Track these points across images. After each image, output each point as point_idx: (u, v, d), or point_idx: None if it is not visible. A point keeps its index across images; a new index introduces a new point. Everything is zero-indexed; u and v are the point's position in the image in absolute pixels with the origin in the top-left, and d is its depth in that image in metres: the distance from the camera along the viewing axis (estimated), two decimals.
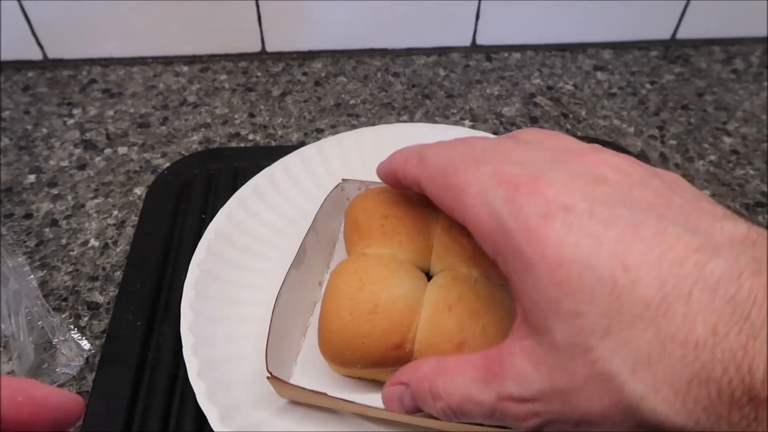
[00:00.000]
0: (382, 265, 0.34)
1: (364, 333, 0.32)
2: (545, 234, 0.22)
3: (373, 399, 0.35)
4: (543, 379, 0.22)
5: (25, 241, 0.51)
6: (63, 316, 0.45)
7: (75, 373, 0.42)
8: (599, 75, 0.68)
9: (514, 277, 0.23)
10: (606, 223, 0.21)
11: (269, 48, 0.69)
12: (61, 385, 0.41)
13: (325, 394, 0.34)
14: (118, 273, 0.48)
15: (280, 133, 0.61)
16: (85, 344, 0.43)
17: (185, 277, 0.42)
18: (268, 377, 0.34)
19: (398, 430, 0.36)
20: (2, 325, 0.41)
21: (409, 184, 0.31)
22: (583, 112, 0.64)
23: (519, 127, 0.62)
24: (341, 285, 0.34)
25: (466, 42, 0.70)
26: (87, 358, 0.42)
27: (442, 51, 0.71)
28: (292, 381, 0.37)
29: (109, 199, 0.54)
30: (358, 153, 0.51)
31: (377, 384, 0.39)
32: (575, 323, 0.21)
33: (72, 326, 0.44)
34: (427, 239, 0.36)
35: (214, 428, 0.35)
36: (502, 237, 0.23)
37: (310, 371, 0.40)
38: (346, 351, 0.33)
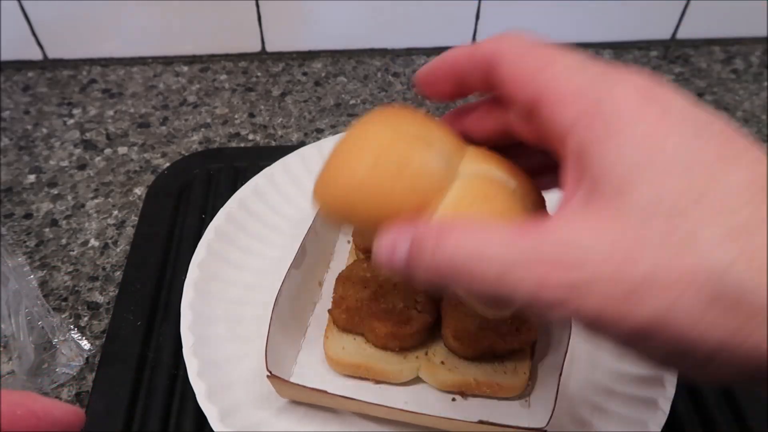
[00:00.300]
0: (419, 135, 0.28)
1: (384, 187, 0.26)
2: (648, 99, 0.22)
3: (372, 397, 0.35)
4: (600, 241, 0.20)
5: (25, 241, 0.51)
6: (63, 316, 0.45)
7: (75, 373, 0.42)
8: None
9: (597, 140, 0.22)
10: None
11: (269, 48, 0.69)
12: (61, 385, 0.41)
13: (325, 392, 0.34)
14: (118, 273, 0.48)
15: (280, 133, 0.61)
16: (85, 344, 0.43)
17: (185, 277, 0.42)
18: (267, 376, 0.34)
19: (398, 430, 0.36)
20: (2, 325, 0.41)
21: (477, 64, 0.28)
22: None
23: None
24: (371, 130, 0.28)
25: (466, 42, 0.70)
26: (87, 358, 0.42)
27: (442, 51, 0.71)
28: (291, 380, 0.37)
29: (109, 199, 0.54)
30: None
31: (376, 384, 0.39)
32: (667, 184, 0.20)
33: (72, 326, 0.44)
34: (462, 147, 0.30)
35: (214, 428, 0.35)
36: (593, 98, 0.23)
37: (310, 371, 0.40)
38: (355, 201, 0.26)
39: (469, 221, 0.23)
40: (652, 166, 0.20)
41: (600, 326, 0.20)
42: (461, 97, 0.31)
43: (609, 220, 0.20)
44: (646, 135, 0.21)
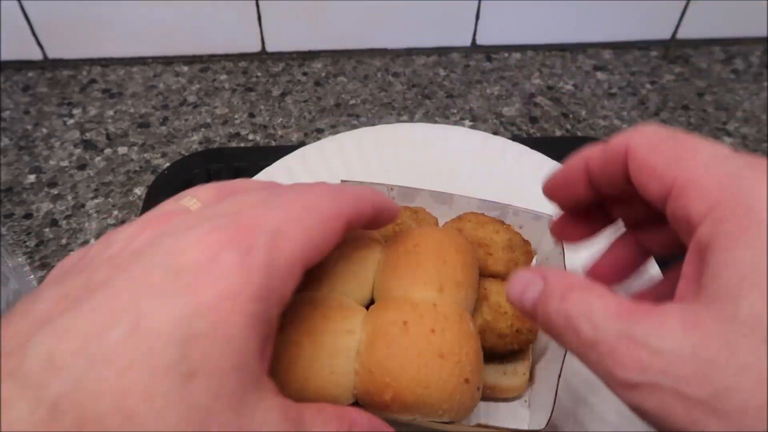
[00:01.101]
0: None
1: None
2: None
3: None
4: (688, 341, 0.20)
5: (25, 241, 0.51)
6: None
7: None
8: (599, 75, 0.68)
9: (722, 236, 0.21)
10: None
11: (269, 48, 0.69)
12: None
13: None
14: None
15: (280, 133, 0.61)
16: None
17: None
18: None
19: (396, 430, 0.36)
20: None
21: (611, 159, 0.28)
22: (583, 112, 0.64)
23: (519, 127, 0.62)
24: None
25: (466, 42, 0.70)
26: None
27: (442, 51, 0.71)
28: None
29: (109, 199, 0.54)
30: (359, 153, 0.51)
31: None
32: None
33: None
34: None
35: None
36: (731, 192, 0.22)
37: None
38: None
39: (592, 283, 0.24)
40: (765, 279, 0.20)
41: (658, 423, 0.21)
42: (594, 202, 0.30)
43: (705, 324, 0.20)
44: None
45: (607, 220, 0.32)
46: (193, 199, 0.27)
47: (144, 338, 0.20)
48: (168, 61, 0.69)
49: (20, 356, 0.20)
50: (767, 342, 0.19)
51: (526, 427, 0.36)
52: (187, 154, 0.58)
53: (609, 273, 0.31)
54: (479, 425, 0.33)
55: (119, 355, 0.19)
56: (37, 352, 0.20)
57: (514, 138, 0.55)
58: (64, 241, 0.51)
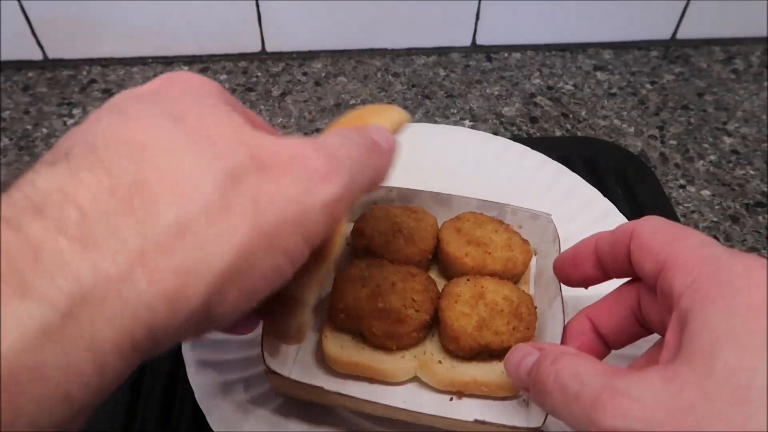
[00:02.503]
0: None
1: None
2: (758, 275, 0.24)
3: (370, 396, 0.35)
4: (667, 391, 0.22)
5: None
6: None
7: None
8: (599, 75, 0.68)
9: (700, 302, 0.24)
10: None
11: (269, 48, 0.69)
12: None
13: (322, 388, 0.34)
14: None
15: (280, 133, 0.61)
16: None
17: None
18: (265, 371, 0.34)
19: (395, 430, 0.37)
20: None
21: (618, 240, 0.32)
22: (583, 112, 0.64)
23: (519, 127, 0.62)
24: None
25: (466, 42, 0.70)
26: None
27: (442, 51, 0.71)
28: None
29: None
30: None
31: (374, 383, 0.39)
32: (745, 359, 0.22)
33: None
34: None
35: (213, 428, 0.35)
36: (710, 268, 0.25)
37: (309, 370, 0.40)
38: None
39: (583, 353, 0.28)
40: (738, 338, 0.22)
41: None
42: (600, 281, 0.34)
43: (682, 377, 0.23)
44: (752, 307, 0.23)
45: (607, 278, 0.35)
46: None
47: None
48: (168, 61, 0.69)
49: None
50: (740, 393, 0.21)
51: (524, 425, 0.36)
52: None
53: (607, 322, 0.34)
54: (477, 421, 0.33)
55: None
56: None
57: (514, 138, 0.55)
58: None
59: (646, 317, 0.31)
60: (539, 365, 0.28)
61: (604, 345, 0.34)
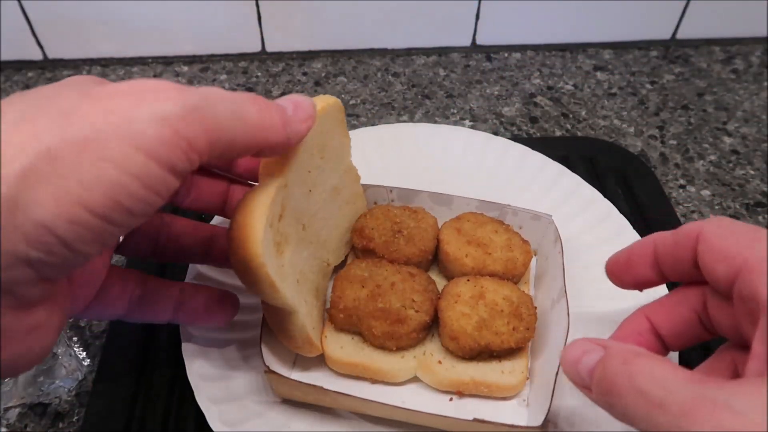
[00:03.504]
0: None
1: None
2: None
3: (370, 396, 0.35)
4: (754, 407, 0.21)
5: None
6: None
7: (72, 387, 0.41)
8: (599, 75, 0.68)
9: None
10: None
11: (269, 48, 0.69)
12: (57, 396, 0.41)
13: (321, 388, 0.34)
14: None
15: None
16: (86, 361, 0.42)
17: (185, 277, 0.42)
18: (265, 371, 0.35)
19: (395, 429, 0.37)
20: None
21: (681, 244, 0.31)
22: (583, 112, 0.64)
23: (519, 127, 0.62)
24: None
25: (466, 42, 0.70)
26: (85, 375, 0.42)
27: (442, 51, 0.71)
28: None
29: None
30: (359, 153, 0.51)
31: (374, 383, 0.39)
32: None
33: (75, 338, 0.44)
34: None
35: (213, 428, 0.35)
36: None
37: (309, 370, 0.40)
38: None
39: (652, 354, 0.26)
40: None
41: None
42: (657, 284, 0.33)
43: None
44: None
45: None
46: None
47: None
48: (168, 61, 0.69)
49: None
50: None
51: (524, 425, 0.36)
52: None
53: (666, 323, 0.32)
54: (477, 420, 0.33)
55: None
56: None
57: (514, 138, 0.55)
58: None
59: (714, 321, 0.30)
60: (607, 364, 0.26)
61: (663, 346, 0.32)
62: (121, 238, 0.36)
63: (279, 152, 0.31)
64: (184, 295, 0.36)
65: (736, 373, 0.29)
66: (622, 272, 0.34)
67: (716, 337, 0.31)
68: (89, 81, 0.26)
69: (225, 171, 0.38)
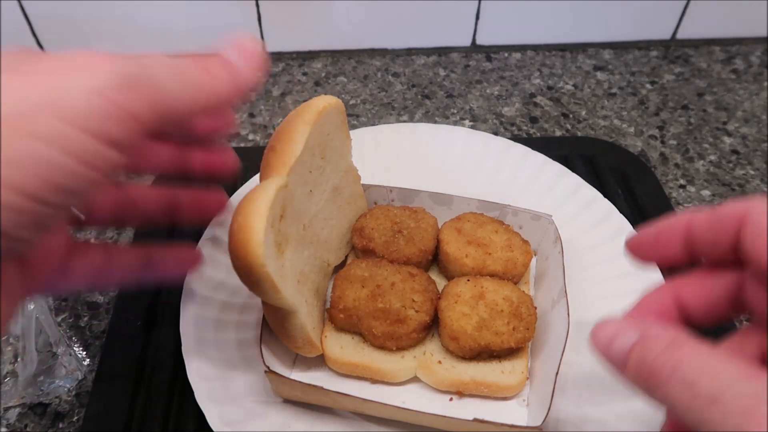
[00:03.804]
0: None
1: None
2: None
3: (370, 396, 0.35)
4: None
5: None
6: (63, 315, 0.45)
7: (72, 387, 0.41)
8: (599, 75, 0.68)
9: None
10: None
11: (269, 48, 0.69)
12: (57, 396, 0.41)
13: (321, 388, 0.34)
14: None
15: None
16: (86, 361, 0.42)
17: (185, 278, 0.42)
18: (265, 371, 0.35)
19: (395, 430, 0.37)
20: (11, 325, 0.40)
21: (722, 225, 0.29)
22: (583, 112, 0.64)
23: (519, 127, 0.62)
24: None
25: (466, 42, 0.70)
26: (85, 375, 0.42)
27: (442, 51, 0.71)
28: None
29: None
30: (359, 153, 0.51)
31: (374, 384, 0.39)
32: None
33: (75, 339, 0.44)
34: None
35: (213, 428, 0.35)
36: None
37: (309, 370, 0.40)
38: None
39: (692, 338, 0.24)
40: None
41: None
42: (685, 263, 0.31)
43: None
44: None
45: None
46: None
47: None
48: None
49: None
50: None
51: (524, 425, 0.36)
52: None
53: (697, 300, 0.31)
54: (477, 420, 0.33)
55: None
56: None
57: (514, 138, 0.55)
58: None
59: (750, 304, 0.29)
60: (645, 349, 0.24)
61: (685, 324, 0.31)
62: (82, 216, 0.34)
63: (235, 105, 0.29)
64: (151, 255, 0.35)
65: (763, 358, 0.28)
66: (648, 249, 0.32)
67: (740, 317, 0.30)
68: (17, 57, 0.24)
69: (185, 136, 0.36)
